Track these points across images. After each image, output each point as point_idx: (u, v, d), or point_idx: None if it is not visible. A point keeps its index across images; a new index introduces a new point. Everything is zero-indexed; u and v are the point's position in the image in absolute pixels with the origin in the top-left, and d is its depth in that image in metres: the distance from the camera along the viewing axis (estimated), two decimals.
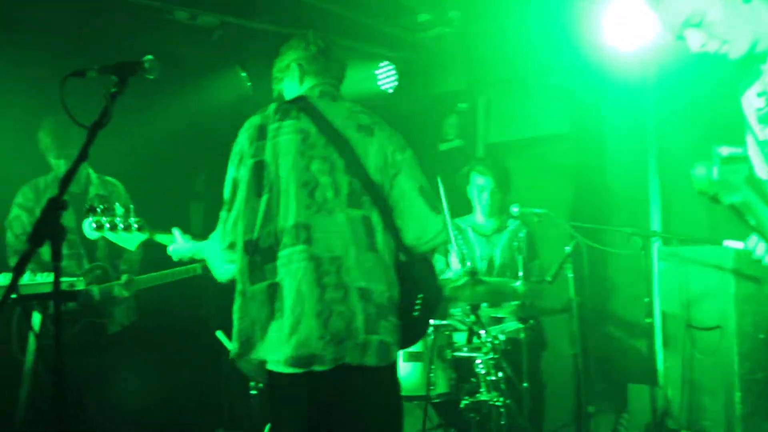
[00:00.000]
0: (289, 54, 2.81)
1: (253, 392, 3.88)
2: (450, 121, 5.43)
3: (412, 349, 3.63)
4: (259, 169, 2.53)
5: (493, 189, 4.50)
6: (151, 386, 4.83)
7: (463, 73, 5.55)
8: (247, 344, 2.49)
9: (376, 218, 2.57)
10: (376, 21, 5.05)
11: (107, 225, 2.81)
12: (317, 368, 2.43)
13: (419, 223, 2.61)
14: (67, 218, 3.93)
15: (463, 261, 4.19)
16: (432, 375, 3.67)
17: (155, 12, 4.46)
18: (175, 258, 2.91)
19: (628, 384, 4.56)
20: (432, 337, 3.74)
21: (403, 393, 3.76)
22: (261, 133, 2.57)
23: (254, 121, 2.62)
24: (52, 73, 2.65)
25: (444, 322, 3.96)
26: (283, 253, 2.48)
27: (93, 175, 4.21)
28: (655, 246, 4.32)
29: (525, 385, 3.97)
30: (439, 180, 3.89)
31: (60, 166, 3.96)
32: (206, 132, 5.26)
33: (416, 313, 2.64)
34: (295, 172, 2.52)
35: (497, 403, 3.66)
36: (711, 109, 4.00)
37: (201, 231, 6.08)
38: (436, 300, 2.73)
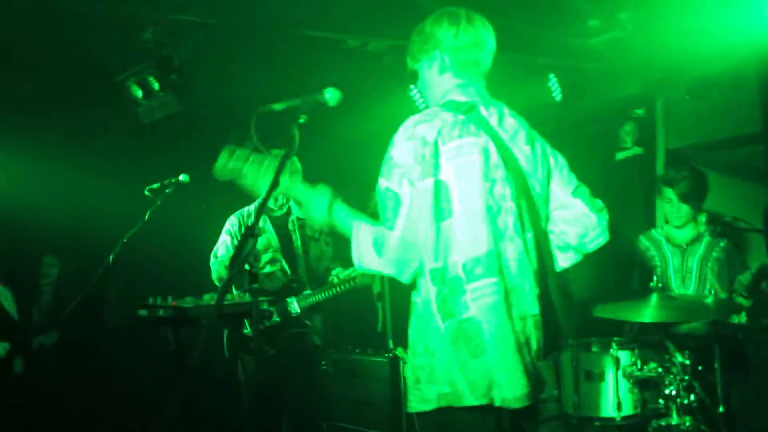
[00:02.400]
0: (435, 36, 2.47)
1: None
2: (627, 129, 5.18)
3: (594, 368, 3.50)
4: (437, 191, 2.30)
5: (677, 199, 4.24)
6: (340, 394, 5.06)
7: (638, 77, 5.29)
8: (454, 389, 2.29)
9: (538, 240, 2.43)
10: (542, 30, 4.96)
11: None
12: (519, 405, 2.29)
13: (582, 225, 2.48)
14: (272, 239, 4.32)
15: (655, 276, 3.96)
16: (615, 396, 3.50)
17: (330, 42, 4.69)
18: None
19: None
20: (616, 355, 3.57)
21: (585, 413, 3.68)
22: (434, 149, 2.30)
23: (420, 132, 2.32)
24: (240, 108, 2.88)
25: (628, 339, 3.77)
26: (473, 286, 2.29)
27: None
28: None
29: (720, 410, 3.66)
30: None
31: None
32: (380, 153, 5.42)
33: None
34: (481, 196, 2.33)
35: (689, 429, 3.41)
36: None
37: None
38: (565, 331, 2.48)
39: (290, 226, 4.44)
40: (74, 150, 4.78)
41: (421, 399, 2.33)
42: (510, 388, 2.25)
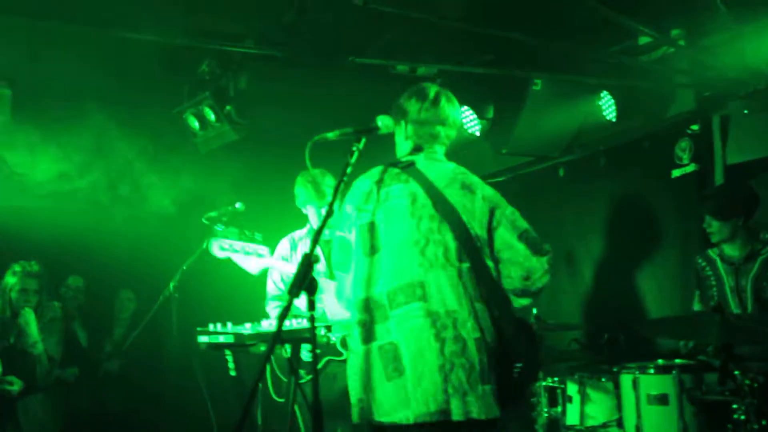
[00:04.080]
0: (404, 110, 2.93)
1: None
2: (682, 145, 5.09)
3: (656, 390, 3.42)
4: (370, 230, 2.71)
5: (709, 216, 4.18)
6: None
7: (693, 92, 5.20)
8: (360, 407, 2.60)
9: (480, 271, 2.65)
10: (593, 49, 4.94)
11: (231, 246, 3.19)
12: (437, 422, 2.48)
13: (524, 267, 2.67)
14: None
15: (712, 296, 3.87)
16: (680, 420, 3.41)
17: (379, 69, 4.77)
18: None
19: None
20: (677, 377, 3.48)
21: None
22: (369, 196, 2.77)
23: (362, 186, 2.82)
24: (298, 137, 2.97)
25: (690, 361, 3.68)
26: (396, 312, 2.59)
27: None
28: None
29: None
30: None
31: (322, 215, 4.29)
32: None
33: (515, 375, 2.64)
34: (407, 232, 2.67)
35: None
36: None
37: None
38: (531, 365, 2.69)
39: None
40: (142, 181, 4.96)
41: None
42: (422, 405, 2.48)
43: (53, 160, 4.87)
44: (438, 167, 2.83)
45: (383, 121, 2.81)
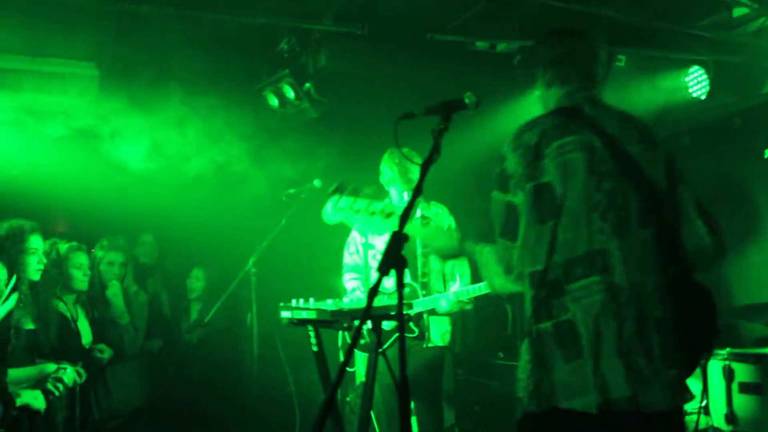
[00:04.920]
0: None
1: None
2: None
3: (749, 379, 3.31)
4: (540, 194, 2.32)
5: None
6: (470, 398, 5.05)
7: None
8: (537, 393, 2.25)
9: (662, 237, 2.32)
10: (684, 25, 4.76)
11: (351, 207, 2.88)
12: (617, 411, 2.17)
13: (696, 242, 2.36)
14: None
15: None
16: None
17: (459, 46, 4.73)
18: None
19: None
20: None
21: (740, 428, 3.48)
22: (537, 152, 2.34)
23: (524, 139, 2.39)
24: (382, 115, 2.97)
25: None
26: (573, 286, 2.26)
27: (420, 200, 4.57)
28: None
29: None
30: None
31: (404, 198, 4.33)
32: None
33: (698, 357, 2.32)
34: (586, 193, 2.30)
35: None
36: None
37: None
38: (710, 332, 2.35)
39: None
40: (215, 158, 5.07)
41: (521, 404, 2.31)
42: (607, 391, 2.17)
43: (137, 139, 5.04)
44: (608, 114, 2.45)
45: (471, 98, 2.70)
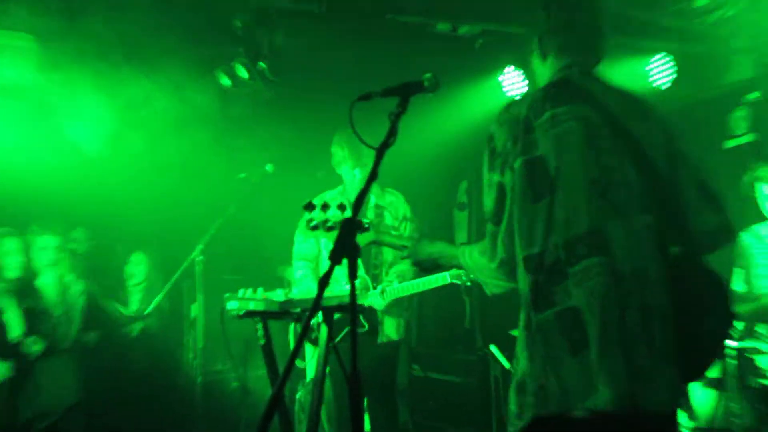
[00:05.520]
0: (536, 27, 2.43)
1: None
2: (738, 114, 4.94)
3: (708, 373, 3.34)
4: (532, 169, 2.17)
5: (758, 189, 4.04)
6: (425, 393, 5.02)
7: (752, 58, 5.04)
8: (542, 394, 2.05)
9: (663, 222, 2.16)
10: (647, 13, 4.78)
11: (323, 224, 2.72)
12: (625, 412, 2.01)
13: (699, 223, 2.19)
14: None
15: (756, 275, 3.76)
16: (732, 405, 3.35)
17: (419, 27, 4.67)
18: (412, 262, 2.65)
19: None
20: (734, 362, 3.40)
21: (697, 424, 3.52)
22: (527, 126, 2.20)
23: (512, 112, 2.25)
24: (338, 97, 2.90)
25: (747, 344, 3.59)
26: (576, 269, 2.07)
27: (374, 187, 4.48)
28: None
29: None
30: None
31: (355, 176, 4.27)
32: (468, 140, 5.38)
33: (702, 340, 2.15)
34: (583, 168, 2.14)
35: None
36: None
37: (468, 243, 6.24)
38: (723, 323, 2.19)
39: (368, 216, 4.34)
40: (161, 140, 4.92)
41: (514, 410, 2.13)
42: (604, 391, 1.99)
43: (77, 119, 4.86)
44: (606, 89, 2.30)
45: (430, 81, 2.62)
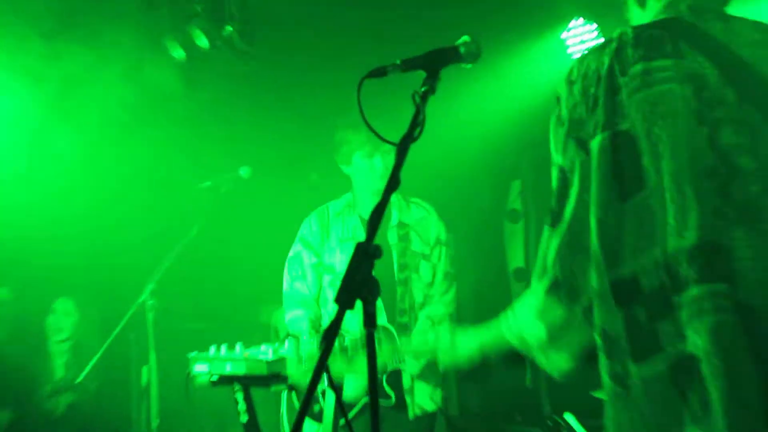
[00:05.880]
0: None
1: None
2: None
3: None
4: (617, 151, 2.13)
5: None
6: None
7: None
8: None
9: None
10: None
11: None
12: None
13: None
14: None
15: None
16: None
17: None
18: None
19: None
20: None
21: None
22: (611, 83, 2.16)
23: (589, 63, 2.23)
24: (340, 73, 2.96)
25: None
26: (687, 297, 2.00)
27: (395, 197, 4.45)
28: None
29: None
30: None
31: (375, 167, 4.26)
32: (520, 126, 5.45)
33: None
34: (690, 152, 2.05)
35: None
36: None
37: (525, 265, 6.25)
38: None
39: (389, 239, 4.38)
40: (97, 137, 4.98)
41: None
42: None
43: None
44: (736, 28, 2.20)
45: (468, 47, 2.60)
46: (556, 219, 2.25)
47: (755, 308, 1.95)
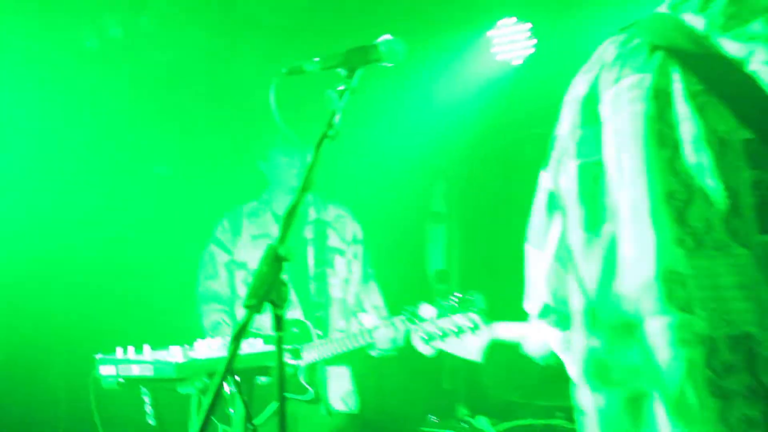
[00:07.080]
0: None
1: None
2: None
3: None
4: (594, 180, 2.09)
5: None
6: None
7: None
8: None
9: None
10: None
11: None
12: None
13: None
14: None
15: None
16: None
17: None
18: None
19: None
20: None
21: None
22: (587, 108, 2.11)
23: (576, 86, 2.17)
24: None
25: None
26: (644, 330, 1.96)
27: (310, 198, 4.52)
28: None
29: None
30: None
31: (291, 164, 4.30)
32: (443, 127, 5.46)
33: None
34: (647, 176, 1.97)
35: None
36: None
37: (447, 267, 6.29)
38: None
39: (305, 234, 4.46)
40: None
41: None
42: None
43: None
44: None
45: (389, 46, 2.59)
46: (540, 243, 2.28)
47: (714, 338, 1.87)
